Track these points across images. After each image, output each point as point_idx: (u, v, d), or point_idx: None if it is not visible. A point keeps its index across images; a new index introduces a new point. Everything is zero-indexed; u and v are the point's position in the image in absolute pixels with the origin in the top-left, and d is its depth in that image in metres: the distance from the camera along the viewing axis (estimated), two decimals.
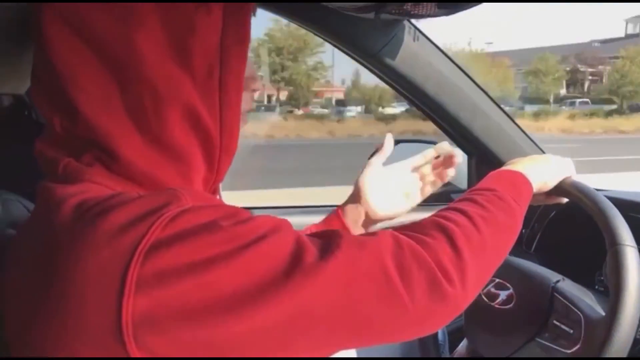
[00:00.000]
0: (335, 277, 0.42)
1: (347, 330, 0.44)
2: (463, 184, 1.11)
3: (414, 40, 0.89)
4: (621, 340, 0.58)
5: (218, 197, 0.57)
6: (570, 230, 0.98)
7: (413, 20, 0.88)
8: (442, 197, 1.14)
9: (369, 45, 0.88)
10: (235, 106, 0.49)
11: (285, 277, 0.40)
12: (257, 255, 0.40)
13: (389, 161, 1.22)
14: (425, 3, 0.63)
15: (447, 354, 0.86)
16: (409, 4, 0.63)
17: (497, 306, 0.74)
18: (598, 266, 0.96)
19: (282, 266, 0.40)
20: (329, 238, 0.46)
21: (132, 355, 0.37)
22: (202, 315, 0.37)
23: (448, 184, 1.13)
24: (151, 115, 0.45)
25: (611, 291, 0.61)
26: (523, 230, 1.03)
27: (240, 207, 0.44)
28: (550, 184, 0.71)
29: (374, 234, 0.49)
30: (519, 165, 0.68)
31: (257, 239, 0.40)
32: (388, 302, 0.44)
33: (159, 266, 0.37)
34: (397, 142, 1.20)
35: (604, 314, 0.63)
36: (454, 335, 0.94)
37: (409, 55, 0.90)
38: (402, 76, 0.91)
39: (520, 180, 0.65)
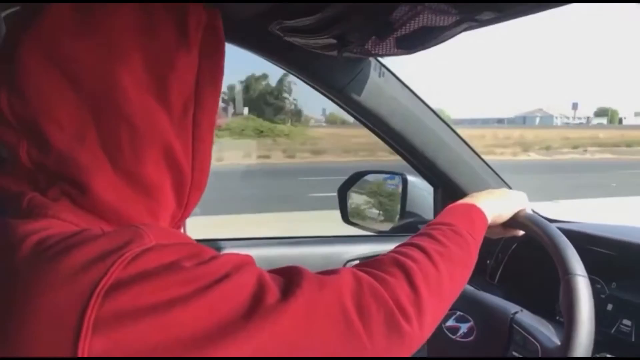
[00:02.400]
0: (295, 317, 0.42)
1: None
2: (429, 214, 1.14)
3: (379, 76, 0.92)
4: None
5: (182, 230, 0.57)
6: (532, 261, 1.00)
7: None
8: (409, 228, 1.17)
9: (336, 80, 0.90)
10: (208, 143, 0.50)
11: (246, 319, 0.40)
12: (218, 297, 0.40)
13: (359, 190, 1.24)
14: (385, 43, 0.66)
15: None
16: (370, 43, 0.65)
17: (458, 339, 0.75)
18: (558, 296, 0.99)
19: (243, 307, 0.40)
20: (290, 276, 0.46)
21: None
22: (160, 357, 0.37)
23: (415, 214, 1.16)
24: (127, 150, 0.45)
25: (565, 320, 0.63)
26: (487, 262, 1.05)
27: (204, 246, 0.44)
28: (505, 216, 0.73)
29: (335, 271, 0.49)
30: (475, 198, 0.71)
31: (219, 279, 0.41)
32: (347, 341, 0.45)
33: (118, 307, 0.37)
34: (366, 173, 1.24)
35: (559, 343, 0.64)
36: None
37: (374, 90, 0.92)
38: (368, 110, 0.93)
39: (475, 213, 0.67)
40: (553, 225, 0.71)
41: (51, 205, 0.44)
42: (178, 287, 0.39)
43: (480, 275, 1.03)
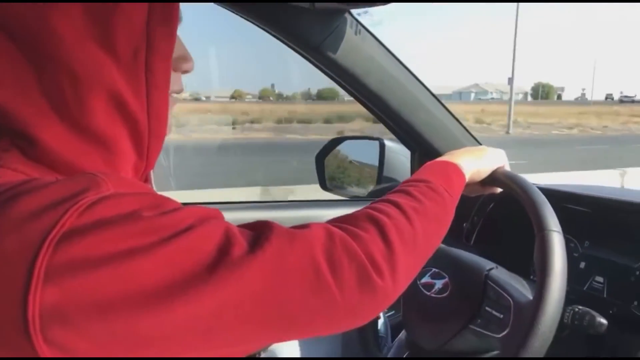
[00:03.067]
0: (263, 270, 0.41)
1: (276, 325, 0.42)
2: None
3: (355, 33, 0.89)
4: (547, 322, 0.59)
5: (150, 186, 0.55)
6: (508, 222, 1.01)
7: (354, 13, 0.89)
8: (384, 193, 1.16)
9: (311, 37, 0.87)
10: (163, 89, 0.47)
11: (211, 271, 0.38)
12: (181, 248, 0.38)
13: (336, 157, 1.23)
14: None
15: (389, 346, 0.86)
16: None
17: (433, 295, 0.75)
18: (532, 256, 0.99)
19: (208, 259, 0.39)
20: (259, 229, 0.44)
21: (40, 353, 0.34)
22: (119, 309, 0.35)
23: (392, 179, 1.15)
24: (71, 100, 0.42)
25: (537, 274, 0.63)
26: (464, 225, 1.05)
27: (168, 197, 0.42)
28: (483, 173, 0.73)
29: (306, 226, 0.48)
30: (453, 156, 0.70)
31: (182, 230, 0.39)
32: (317, 295, 0.43)
33: (71, 255, 0.34)
34: (343, 139, 1.22)
35: (531, 299, 0.65)
36: (398, 329, 0.95)
37: (350, 49, 0.90)
38: (344, 69, 0.91)
39: (453, 170, 0.66)
40: (531, 182, 0.71)
41: (1, 156, 0.41)
42: (138, 237, 0.37)
43: (456, 238, 1.04)
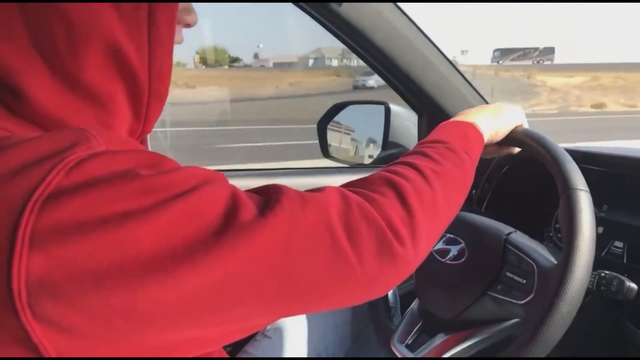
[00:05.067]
0: (274, 236, 0.36)
1: (289, 296, 0.38)
2: (413, 145, 1.08)
3: None
4: (575, 285, 0.55)
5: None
6: (519, 189, 0.96)
7: None
8: (392, 159, 1.11)
9: None
10: (168, 44, 0.42)
11: (217, 236, 0.34)
12: (184, 210, 0.33)
13: (340, 122, 1.17)
14: None
15: (398, 317, 0.82)
16: None
17: (448, 262, 0.70)
18: (547, 222, 0.96)
19: (214, 224, 0.34)
20: (269, 194, 0.40)
21: (31, 332, 0.29)
22: (116, 278, 0.30)
23: (398, 145, 1.10)
24: (64, 50, 0.37)
25: (564, 236, 0.59)
26: (473, 191, 1.01)
27: (166, 156, 0.37)
28: (502, 133, 0.69)
29: (320, 189, 0.44)
30: (469, 115, 0.66)
31: (184, 191, 0.34)
32: (334, 263, 0.39)
33: (59, 219, 0.29)
34: (347, 104, 1.17)
35: (556, 262, 0.60)
36: (407, 298, 0.91)
37: (357, 2, 0.83)
38: (349, 24, 0.84)
39: (471, 131, 0.63)
40: (553, 140, 0.66)
41: None
42: (135, 197, 0.32)
43: (466, 203, 0.99)
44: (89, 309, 0.30)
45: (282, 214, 0.37)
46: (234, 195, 0.37)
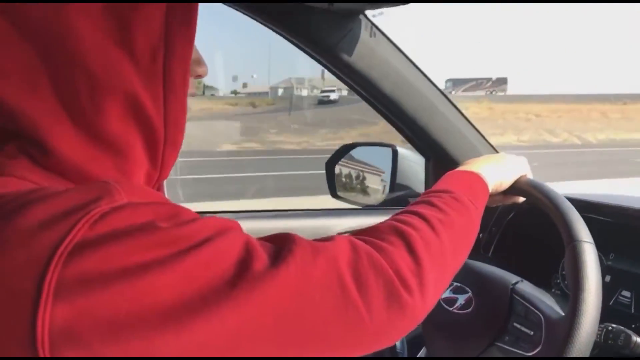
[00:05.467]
0: (286, 285, 0.37)
1: (299, 345, 0.39)
2: (420, 187, 1.09)
3: (370, 36, 0.86)
4: (583, 338, 0.55)
5: (162, 195, 0.52)
6: (527, 234, 0.97)
7: (370, 16, 0.86)
8: (399, 201, 1.12)
9: (325, 39, 0.84)
10: (182, 94, 0.44)
11: (231, 286, 0.35)
12: (200, 261, 0.34)
13: (348, 164, 1.19)
14: None
15: None
16: None
17: (455, 311, 0.71)
18: (554, 269, 0.96)
19: (228, 274, 0.35)
20: (281, 242, 0.41)
21: None
22: (134, 328, 0.31)
23: (405, 187, 1.12)
24: (86, 103, 0.39)
25: (571, 288, 0.59)
26: (480, 235, 1.01)
27: (184, 207, 0.39)
28: (506, 183, 0.70)
29: (330, 238, 0.45)
30: (474, 165, 0.67)
31: (200, 242, 0.35)
32: (344, 314, 0.40)
33: (83, 270, 0.31)
34: (355, 145, 1.19)
35: (563, 314, 0.61)
36: (413, 343, 0.90)
37: (365, 52, 0.86)
38: (358, 73, 0.88)
39: (477, 180, 0.64)
40: (557, 191, 0.67)
41: (8, 163, 0.38)
42: (153, 249, 0.33)
43: (473, 248, 1.00)
44: (106, 356, 0.31)
45: (294, 263, 0.38)
46: (248, 244, 0.38)
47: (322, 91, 22.26)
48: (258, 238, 0.41)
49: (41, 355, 0.30)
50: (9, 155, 0.38)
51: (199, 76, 0.51)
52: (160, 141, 0.44)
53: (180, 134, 0.46)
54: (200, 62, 0.50)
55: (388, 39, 0.89)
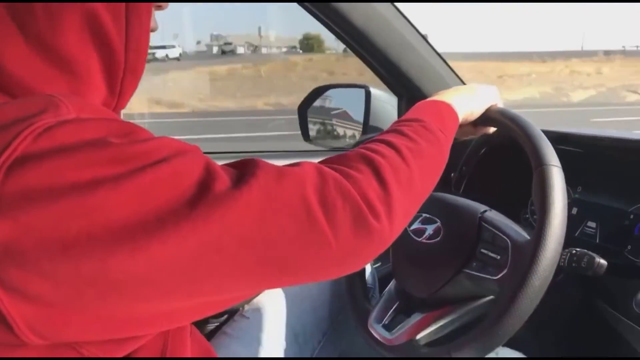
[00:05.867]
0: (249, 208, 0.36)
1: (263, 270, 0.38)
2: None
3: None
4: (547, 259, 0.56)
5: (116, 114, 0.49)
6: (497, 172, 0.97)
7: None
8: None
9: None
10: (145, 19, 0.42)
11: (190, 207, 0.33)
12: (157, 180, 0.33)
13: (320, 107, 1.17)
14: None
15: (376, 298, 0.82)
16: None
17: (424, 241, 0.71)
18: (524, 204, 0.97)
19: (187, 194, 0.33)
20: (245, 167, 0.40)
21: None
22: (85, 246, 0.30)
23: (378, 129, 1.10)
24: (41, 15, 0.36)
25: (537, 211, 0.59)
26: (452, 174, 1.01)
27: (139, 126, 0.37)
28: (477, 112, 0.70)
29: (297, 164, 0.43)
30: (445, 95, 0.67)
31: (157, 161, 0.33)
32: (309, 237, 0.39)
33: (26, 184, 0.29)
34: (327, 87, 1.16)
35: (529, 238, 0.61)
36: (385, 280, 0.91)
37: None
38: (329, 6, 0.84)
39: (447, 110, 0.63)
40: (526, 118, 0.67)
41: None
42: (105, 165, 0.31)
43: (444, 187, 1.00)
44: (57, 277, 0.30)
45: (257, 186, 0.37)
46: (209, 166, 0.37)
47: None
48: (222, 164, 0.40)
49: None
50: None
51: (159, 7, 0.48)
52: (120, 66, 0.42)
53: (142, 61, 0.44)
54: None
55: None
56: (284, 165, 0.43)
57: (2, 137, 0.30)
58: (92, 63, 0.40)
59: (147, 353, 0.44)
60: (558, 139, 0.81)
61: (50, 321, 0.31)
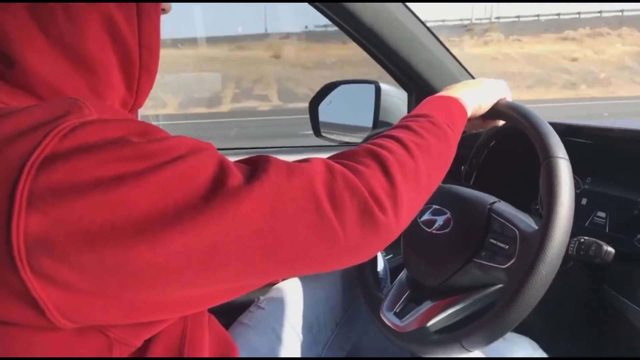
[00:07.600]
0: (260, 202, 0.38)
1: (274, 260, 0.40)
2: None
3: None
4: (554, 249, 0.58)
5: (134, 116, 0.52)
6: (507, 163, 0.98)
7: None
8: None
9: None
10: (155, 18, 0.44)
11: (205, 202, 0.36)
12: (174, 176, 0.35)
13: (333, 103, 1.19)
14: None
15: (388, 288, 0.84)
16: None
17: (434, 232, 0.72)
18: (534, 197, 0.98)
19: (202, 189, 0.36)
20: (256, 163, 0.42)
21: (31, 288, 0.31)
22: (109, 238, 0.32)
23: (389, 124, 1.12)
24: (61, 17, 0.39)
25: (544, 203, 0.61)
26: (462, 167, 1.03)
27: (156, 126, 0.39)
28: (485, 107, 0.71)
29: (306, 160, 0.46)
30: (453, 90, 0.68)
31: (173, 159, 0.36)
32: (318, 229, 0.41)
33: (54, 180, 0.31)
34: (337, 83, 1.18)
35: (537, 228, 0.63)
36: (396, 271, 0.93)
37: None
38: (340, 5, 0.86)
39: (455, 104, 0.65)
40: (535, 112, 0.68)
41: None
42: (126, 162, 0.34)
43: (455, 180, 1.01)
44: (82, 266, 0.32)
45: (268, 181, 0.39)
46: (222, 163, 0.39)
47: None
48: (235, 160, 0.42)
49: (18, 264, 0.31)
50: None
51: (163, 10, 0.51)
52: (136, 65, 0.44)
53: (155, 60, 0.46)
54: None
55: None
56: (294, 162, 0.45)
57: (31, 138, 0.32)
58: (110, 62, 0.42)
59: (168, 337, 0.47)
60: (567, 131, 0.82)
61: (77, 305, 0.34)
